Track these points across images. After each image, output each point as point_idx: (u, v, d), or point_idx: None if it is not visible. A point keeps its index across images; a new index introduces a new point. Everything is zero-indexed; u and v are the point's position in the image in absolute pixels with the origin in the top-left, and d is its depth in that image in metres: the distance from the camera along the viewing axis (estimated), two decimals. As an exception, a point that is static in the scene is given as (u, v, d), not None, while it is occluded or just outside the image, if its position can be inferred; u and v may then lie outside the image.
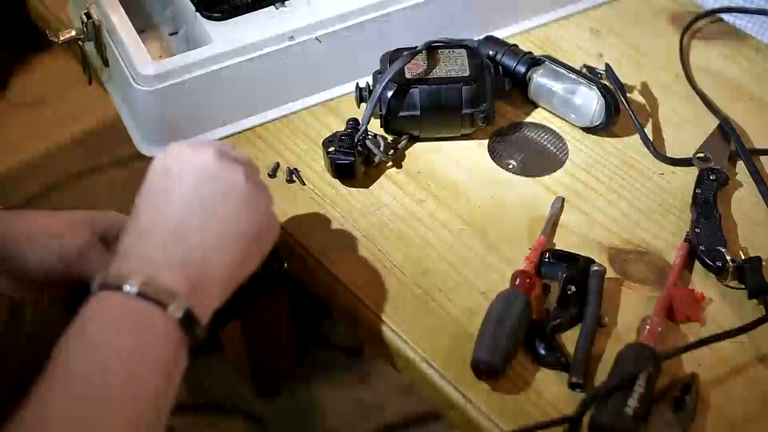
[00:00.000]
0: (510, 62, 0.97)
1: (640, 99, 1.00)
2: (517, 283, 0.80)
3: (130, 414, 0.60)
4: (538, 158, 0.94)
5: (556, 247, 0.84)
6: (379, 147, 0.91)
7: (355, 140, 0.90)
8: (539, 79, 0.96)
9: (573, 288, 0.79)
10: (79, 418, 0.59)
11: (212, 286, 0.67)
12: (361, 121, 0.91)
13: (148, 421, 0.61)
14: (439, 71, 0.92)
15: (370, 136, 0.91)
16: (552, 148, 0.95)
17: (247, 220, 0.70)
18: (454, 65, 0.92)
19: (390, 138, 0.94)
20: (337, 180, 0.91)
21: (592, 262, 0.82)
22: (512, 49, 0.98)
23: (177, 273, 0.65)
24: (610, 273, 0.82)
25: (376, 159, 0.91)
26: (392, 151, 0.93)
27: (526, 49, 0.99)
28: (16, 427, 0.58)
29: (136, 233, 0.67)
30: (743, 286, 0.81)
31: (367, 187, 0.91)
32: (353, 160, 0.89)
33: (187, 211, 0.68)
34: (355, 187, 0.91)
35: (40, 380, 0.60)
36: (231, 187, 0.70)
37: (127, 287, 0.63)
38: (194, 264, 0.66)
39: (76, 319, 0.63)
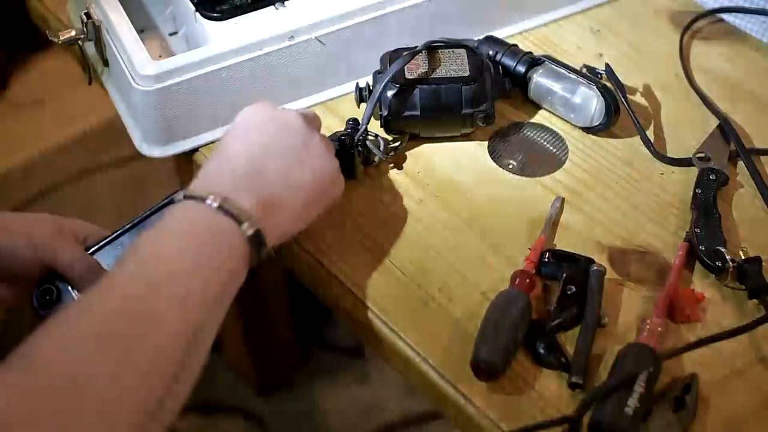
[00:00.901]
0: (510, 62, 0.97)
1: (640, 99, 1.00)
2: (517, 283, 0.80)
3: (182, 300, 0.64)
4: (538, 158, 0.94)
5: (556, 247, 0.84)
6: (379, 147, 0.91)
7: (355, 140, 0.90)
8: (539, 79, 0.96)
9: (573, 288, 0.79)
10: (139, 291, 0.63)
11: (280, 217, 0.74)
12: (360, 121, 0.91)
13: (197, 319, 0.64)
14: (439, 71, 0.92)
15: (370, 137, 0.91)
16: (552, 148, 0.95)
17: (317, 172, 0.78)
18: (454, 65, 0.92)
19: (390, 138, 0.94)
20: (337, 180, 0.91)
21: (592, 262, 0.82)
22: (512, 49, 0.98)
23: (253, 199, 0.72)
24: (610, 273, 0.82)
25: (376, 159, 0.92)
26: (392, 151, 0.93)
27: (526, 49, 0.99)
28: (87, 295, 0.64)
29: (221, 159, 0.75)
30: (743, 286, 0.81)
31: (367, 188, 0.91)
32: (353, 161, 0.89)
33: (266, 153, 0.76)
34: (355, 187, 0.91)
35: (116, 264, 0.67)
36: (307, 140, 0.79)
37: (209, 200, 0.70)
38: (267, 196, 0.73)
39: (158, 219, 0.70)
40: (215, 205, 0.69)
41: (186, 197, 0.71)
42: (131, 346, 0.60)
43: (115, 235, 0.82)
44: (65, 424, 0.56)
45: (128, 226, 0.82)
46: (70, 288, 0.79)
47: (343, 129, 0.92)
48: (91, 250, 0.81)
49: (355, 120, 0.92)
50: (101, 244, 0.82)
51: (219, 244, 0.69)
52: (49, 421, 0.55)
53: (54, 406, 0.55)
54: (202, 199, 0.70)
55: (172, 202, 0.82)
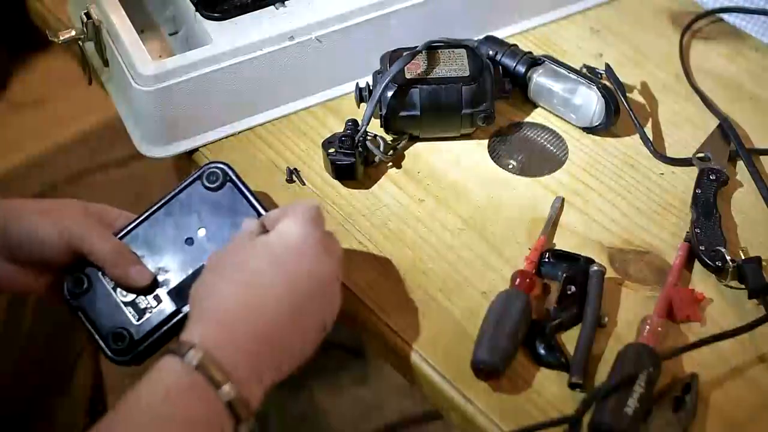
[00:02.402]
0: (510, 62, 0.97)
1: (640, 99, 1.00)
2: (517, 283, 0.80)
3: None
4: (538, 158, 0.94)
5: (556, 247, 0.84)
6: (379, 147, 0.91)
7: (355, 141, 0.90)
8: (539, 79, 0.96)
9: (573, 288, 0.79)
10: None
11: (272, 377, 0.69)
12: (360, 122, 0.91)
13: None
14: (439, 71, 0.92)
15: (369, 137, 0.91)
16: (552, 148, 0.95)
17: (327, 319, 0.73)
18: (454, 65, 0.92)
19: (390, 138, 0.94)
20: (337, 180, 0.91)
21: (592, 262, 0.82)
22: (512, 49, 0.98)
23: (265, 384, 0.67)
24: (610, 273, 0.82)
25: (376, 159, 0.91)
26: (392, 151, 0.93)
27: (526, 49, 0.99)
28: None
29: (232, 330, 0.68)
30: (743, 286, 0.81)
31: (367, 188, 0.91)
32: (354, 161, 0.89)
33: (282, 327, 0.69)
34: (355, 187, 0.91)
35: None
36: (323, 288, 0.72)
37: (223, 389, 0.64)
38: (281, 376, 0.69)
39: (143, 377, 0.65)
40: (226, 399, 0.64)
41: (168, 351, 0.66)
42: None
43: (142, 217, 0.80)
44: None
45: (155, 207, 0.80)
46: (100, 275, 0.78)
47: (342, 130, 0.92)
48: (119, 235, 0.79)
49: (354, 121, 0.92)
50: (129, 227, 0.80)
51: (192, 411, 0.64)
52: None
53: None
54: (215, 384, 0.64)
55: (199, 178, 0.80)
